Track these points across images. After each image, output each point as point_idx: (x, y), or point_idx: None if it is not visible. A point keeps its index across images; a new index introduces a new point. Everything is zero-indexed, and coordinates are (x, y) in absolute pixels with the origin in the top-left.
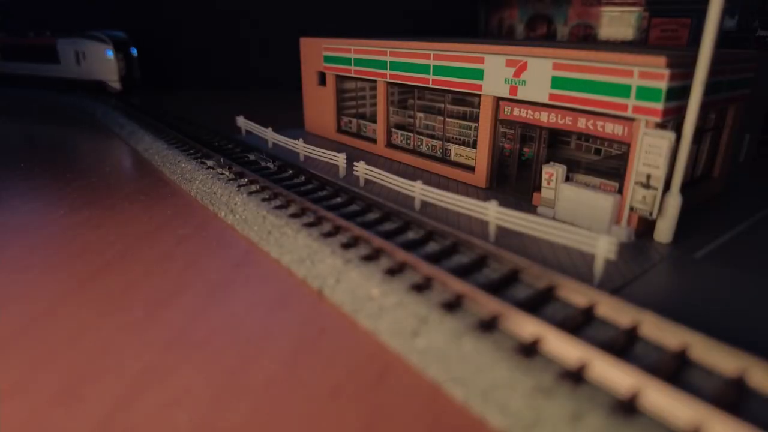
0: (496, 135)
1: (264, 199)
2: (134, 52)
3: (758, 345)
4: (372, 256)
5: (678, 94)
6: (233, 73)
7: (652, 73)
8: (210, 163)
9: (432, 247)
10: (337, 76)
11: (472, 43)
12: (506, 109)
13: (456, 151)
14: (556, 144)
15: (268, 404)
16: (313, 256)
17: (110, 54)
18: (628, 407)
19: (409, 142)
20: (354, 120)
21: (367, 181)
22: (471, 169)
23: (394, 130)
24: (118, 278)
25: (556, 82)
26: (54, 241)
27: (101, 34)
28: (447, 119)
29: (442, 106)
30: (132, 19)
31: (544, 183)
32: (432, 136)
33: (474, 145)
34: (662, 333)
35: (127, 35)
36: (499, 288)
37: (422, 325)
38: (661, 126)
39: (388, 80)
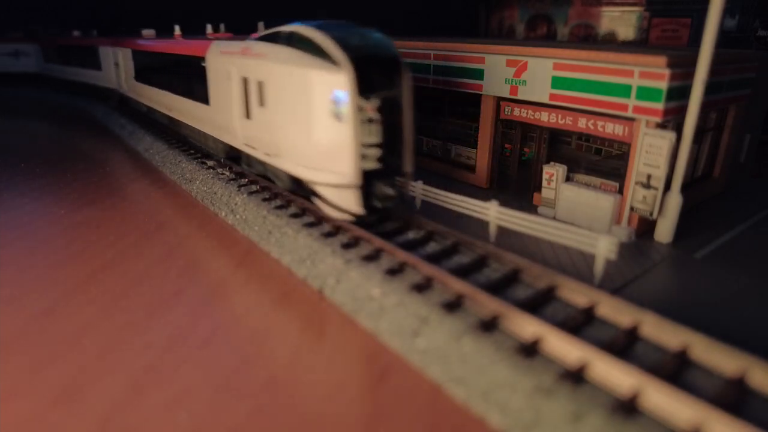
0: (497, 135)
1: (264, 199)
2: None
3: (758, 345)
4: (372, 256)
5: (678, 94)
6: None
7: (652, 73)
8: (210, 163)
9: (432, 247)
10: None
11: (473, 43)
12: (507, 109)
13: (456, 151)
14: (557, 144)
15: (268, 404)
16: (314, 256)
17: (343, 100)
18: (628, 407)
19: None
20: None
21: None
22: (471, 169)
23: None
24: (118, 278)
25: (557, 82)
26: (54, 241)
27: (315, 30)
28: (447, 119)
29: (443, 106)
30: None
31: (544, 183)
32: (432, 136)
33: (474, 145)
34: (662, 333)
35: (390, 42)
36: (499, 288)
37: (423, 325)
38: (662, 126)
39: None
